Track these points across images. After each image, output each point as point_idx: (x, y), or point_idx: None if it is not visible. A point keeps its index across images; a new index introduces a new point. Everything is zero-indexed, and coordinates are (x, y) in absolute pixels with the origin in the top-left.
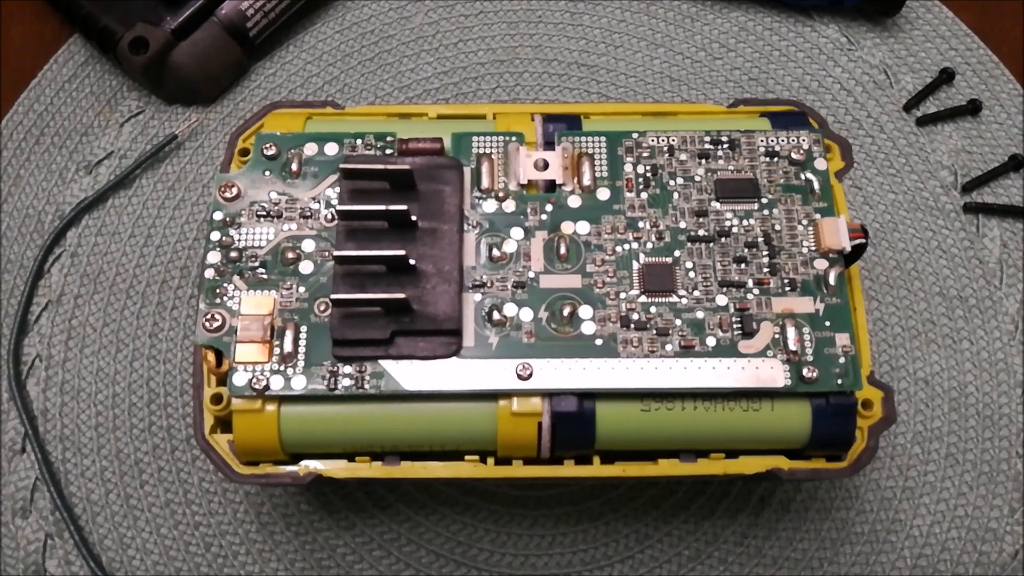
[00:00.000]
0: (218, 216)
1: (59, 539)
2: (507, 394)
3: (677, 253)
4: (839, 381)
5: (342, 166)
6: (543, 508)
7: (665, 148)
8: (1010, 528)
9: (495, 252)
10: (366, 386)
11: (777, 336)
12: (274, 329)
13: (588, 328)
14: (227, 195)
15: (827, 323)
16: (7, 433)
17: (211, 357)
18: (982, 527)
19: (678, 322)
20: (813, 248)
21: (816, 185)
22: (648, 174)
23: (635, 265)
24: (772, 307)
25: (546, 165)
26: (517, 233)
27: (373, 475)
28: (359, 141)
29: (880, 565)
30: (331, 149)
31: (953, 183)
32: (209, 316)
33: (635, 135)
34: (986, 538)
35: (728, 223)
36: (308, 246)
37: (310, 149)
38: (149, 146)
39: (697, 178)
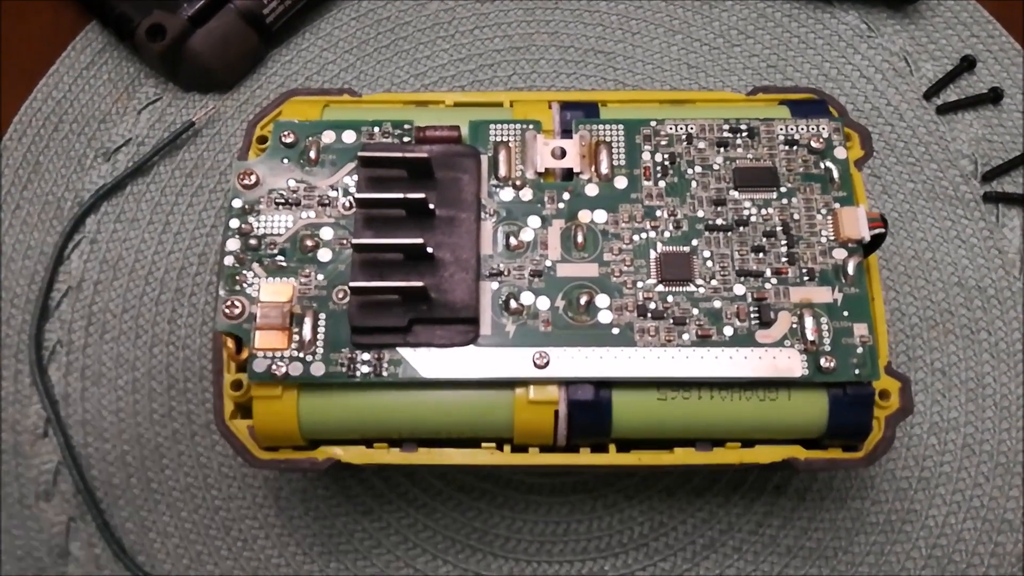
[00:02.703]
0: (237, 204)
1: (82, 522)
2: (524, 382)
3: (695, 242)
4: (857, 371)
5: (360, 154)
6: (558, 495)
7: (683, 136)
8: None
9: (512, 240)
10: (384, 373)
11: (795, 326)
12: (293, 316)
13: (605, 317)
14: (246, 183)
15: (845, 313)
16: (30, 417)
17: (231, 344)
18: (998, 518)
19: (695, 311)
20: (832, 237)
21: (835, 174)
22: (666, 162)
23: (652, 254)
24: (790, 297)
25: (563, 153)
26: (534, 221)
27: (391, 461)
28: (377, 129)
29: (895, 555)
30: (349, 137)
31: (973, 172)
32: (229, 303)
33: (653, 123)
34: (1002, 529)
35: (746, 212)
36: (326, 234)
37: (328, 137)
38: (167, 133)
39: (715, 166)
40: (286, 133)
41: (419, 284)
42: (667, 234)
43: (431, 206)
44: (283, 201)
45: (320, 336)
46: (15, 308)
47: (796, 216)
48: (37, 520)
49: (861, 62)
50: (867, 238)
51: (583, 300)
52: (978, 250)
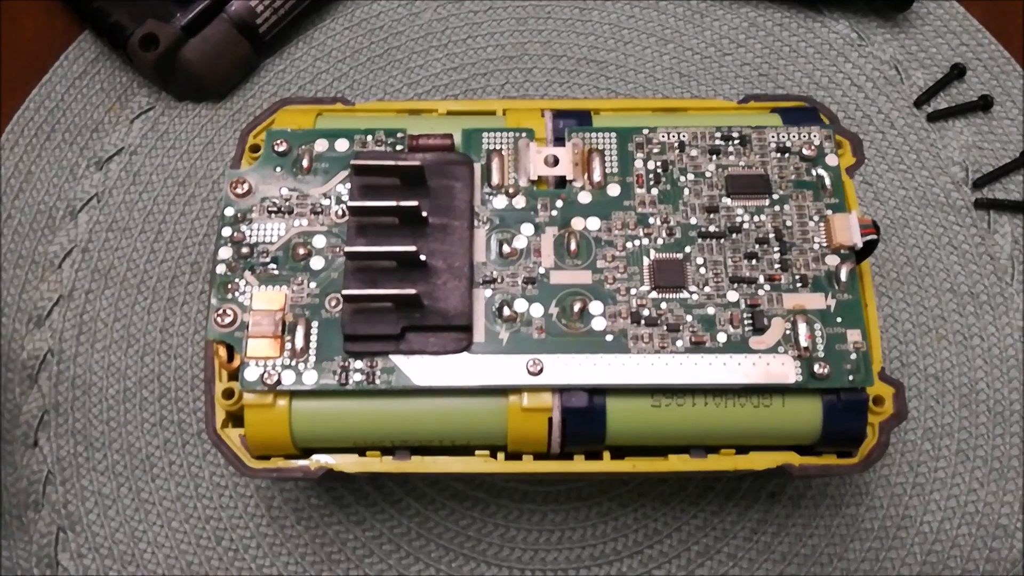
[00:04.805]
0: (229, 212)
1: (71, 532)
2: (517, 389)
3: (688, 249)
4: (850, 377)
5: (353, 162)
6: (552, 503)
7: (676, 144)
8: (1021, 525)
9: (505, 248)
10: (377, 381)
11: (788, 332)
12: (285, 324)
13: (598, 324)
14: (238, 191)
15: (838, 319)
16: (20, 427)
17: (222, 352)
18: (992, 523)
19: (689, 318)
20: (824, 244)
21: (827, 181)
22: (659, 170)
23: (646, 261)
24: (783, 303)
25: (556, 161)
26: (527, 229)
27: (384, 469)
28: (370, 137)
29: (890, 561)
30: (342, 145)
31: (964, 179)
32: (220, 311)
33: (645, 131)
34: (996, 535)
35: (739, 219)
36: (319, 242)
37: (321, 145)
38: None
39: (708, 174)
40: (279, 142)
41: (412, 292)
42: (660, 241)
43: (424, 214)
44: (275, 209)
45: (312, 344)
46: (6, 317)
47: (788, 223)
48: (26, 531)
49: (852, 70)
50: (859, 244)
51: (576, 307)
52: (970, 256)
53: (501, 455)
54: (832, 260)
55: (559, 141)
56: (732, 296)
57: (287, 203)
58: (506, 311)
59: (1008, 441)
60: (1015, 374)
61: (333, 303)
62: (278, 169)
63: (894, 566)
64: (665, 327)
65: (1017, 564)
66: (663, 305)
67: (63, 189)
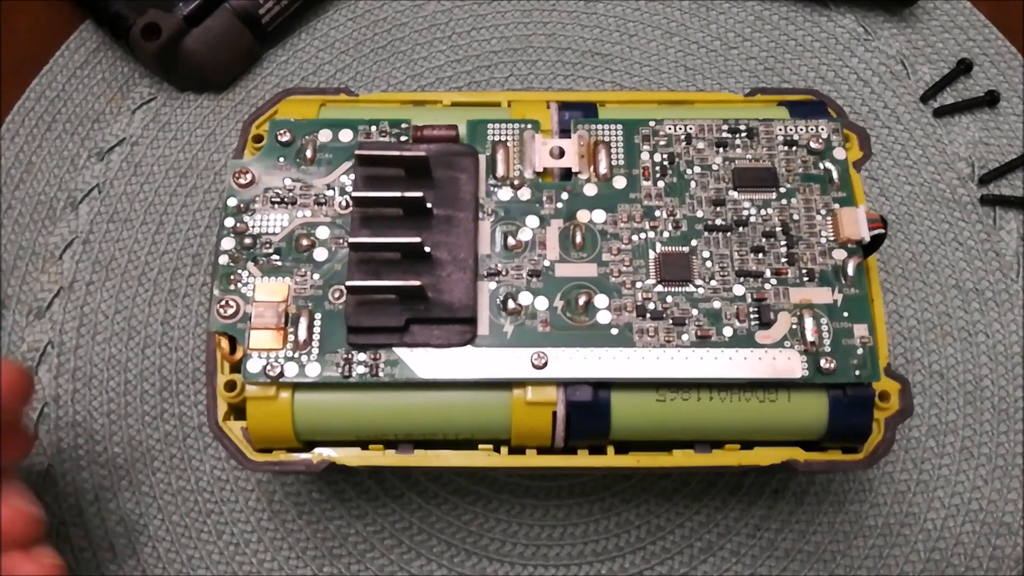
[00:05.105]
0: (232, 202)
1: (71, 526)
2: (522, 383)
3: (694, 242)
4: (857, 372)
5: (357, 152)
6: (554, 499)
7: (682, 136)
8: None
9: (510, 240)
10: (380, 374)
11: (795, 327)
12: (288, 316)
13: (604, 317)
14: (241, 181)
15: (845, 314)
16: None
17: (225, 344)
18: (996, 521)
19: (695, 312)
20: (832, 238)
21: (835, 175)
22: (665, 162)
23: (651, 254)
24: (790, 297)
25: (562, 153)
26: (532, 221)
27: (387, 463)
28: (374, 128)
29: (893, 558)
30: (346, 136)
31: (970, 175)
32: (223, 303)
33: (652, 123)
34: (1000, 532)
35: (746, 212)
36: (323, 233)
37: (324, 135)
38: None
39: (715, 167)
40: (282, 132)
41: (416, 283)
42: (666, 234)
43: (428, 205)
44: (279, 200)
45: (316, 336)
46: (6, 308)
47: (795, 216)
48: None
49: (858, 65)
50: (867, 239)
51: (582, 300)
52: (975, 253)
53: (504, 449)
54: (839, 254)
55: (565, 133)
56: (738, 290)
57: (290, 194)
58: (511, 304)
59: (1012, 438)
60: (1019, 371)
61: (337, 295)
62: (281, 159)
63: (897, 563)
64: (671, 321)
65: (1020, 562)
66: (669, 299)
67: (64, 180)
